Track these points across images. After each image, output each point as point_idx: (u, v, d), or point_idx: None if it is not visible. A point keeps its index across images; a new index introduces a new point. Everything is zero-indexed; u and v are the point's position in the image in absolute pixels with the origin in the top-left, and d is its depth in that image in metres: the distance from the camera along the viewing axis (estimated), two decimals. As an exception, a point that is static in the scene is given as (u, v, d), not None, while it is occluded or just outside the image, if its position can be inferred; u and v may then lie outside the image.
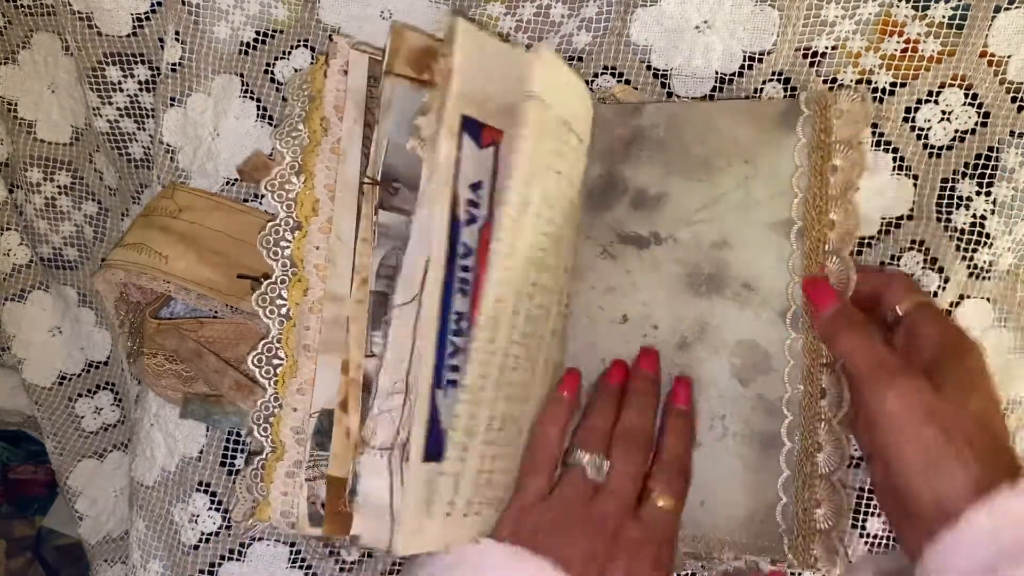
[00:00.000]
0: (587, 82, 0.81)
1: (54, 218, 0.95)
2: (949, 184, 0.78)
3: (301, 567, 0.82)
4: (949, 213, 0.78)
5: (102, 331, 0.98)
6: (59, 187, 0.94)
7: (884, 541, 0.79)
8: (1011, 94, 0.76)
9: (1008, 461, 0.60)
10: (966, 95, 0.77)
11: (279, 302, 0.72)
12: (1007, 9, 0.75)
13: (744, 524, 0.71)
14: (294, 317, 0.71)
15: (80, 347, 0.97)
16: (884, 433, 0.62)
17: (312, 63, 0.82)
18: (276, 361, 0.72)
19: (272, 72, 0.83)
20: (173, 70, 0.83)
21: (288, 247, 0.72)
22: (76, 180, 0.94)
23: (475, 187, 0.66)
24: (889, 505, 0.65)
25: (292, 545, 0.82)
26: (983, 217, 0.78)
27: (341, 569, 0.83)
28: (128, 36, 0.86)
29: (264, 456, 0.71)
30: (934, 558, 0.58)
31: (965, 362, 0.64)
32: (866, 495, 0.80)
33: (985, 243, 0.78)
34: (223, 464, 0.84)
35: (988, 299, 0.79)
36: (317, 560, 0.83)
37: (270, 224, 0.73)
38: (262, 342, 0.72)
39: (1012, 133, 0.77)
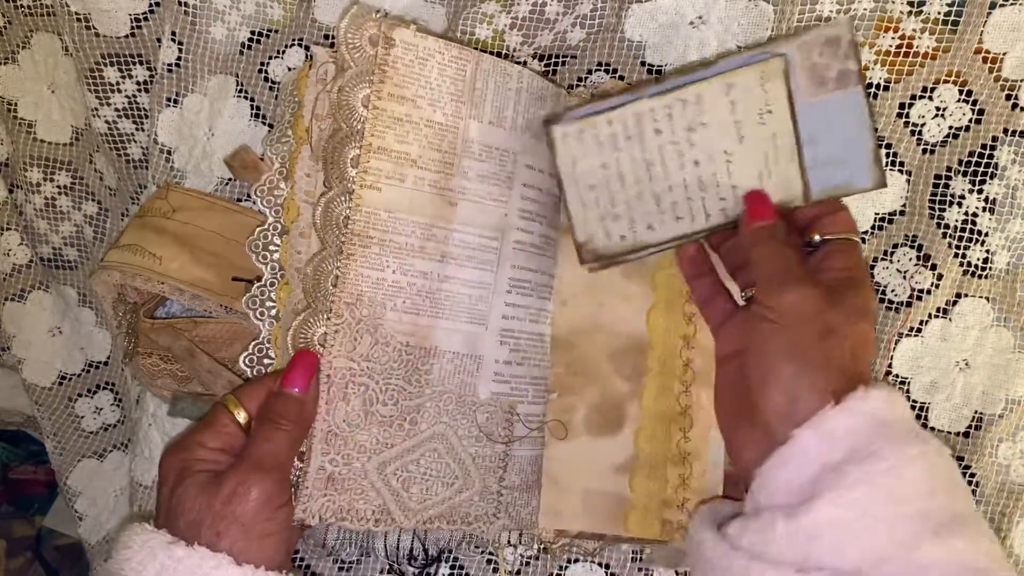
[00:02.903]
0: (581, 79, 0.82)
1: (54, 218, 0.95)
2: (942, 181, 0.78)
3: (300, 566, 0.83)
4: (942, 210, 0.78)
5: (102, 331, 0.98)
6: (59, 187, 0.94)
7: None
8: (1005, 91, 0.76)
9: (865, 382, 0.62)
10: (960, 92, 0.77)
11: (269, 304, 0.73)
12: (1002, 6, 0.74)
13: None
14: (283, 318, 0.71)
15: (80, 347, 0.97)
16: (765, 327, 0.64)
17: (304, 62, 0.82)
18: (267, 361, 0.72)
19: (266, 71, 0.83)
20: (169, 70, 0.83)
21: (276, 251, 0.73)
22: (76, 180, 0.94)
23: None
24: (730, 413, 0.67)
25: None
26: (975, 214, 0.77)
27: (340, 568, 0.83)
28: (126, 37, 0.86)
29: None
30: (766, 472, 0.62)
31: (862, 295, 0.66)
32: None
33: (977, 240, 0.77)
34: (219, 463, 0.84)
35: (987, 298, 0.79)
36: (316, 559, 0.83)
37: (259, 228, 0.73)
38: (253, 343, 0.72)
39: (1006, 131, 0.76)
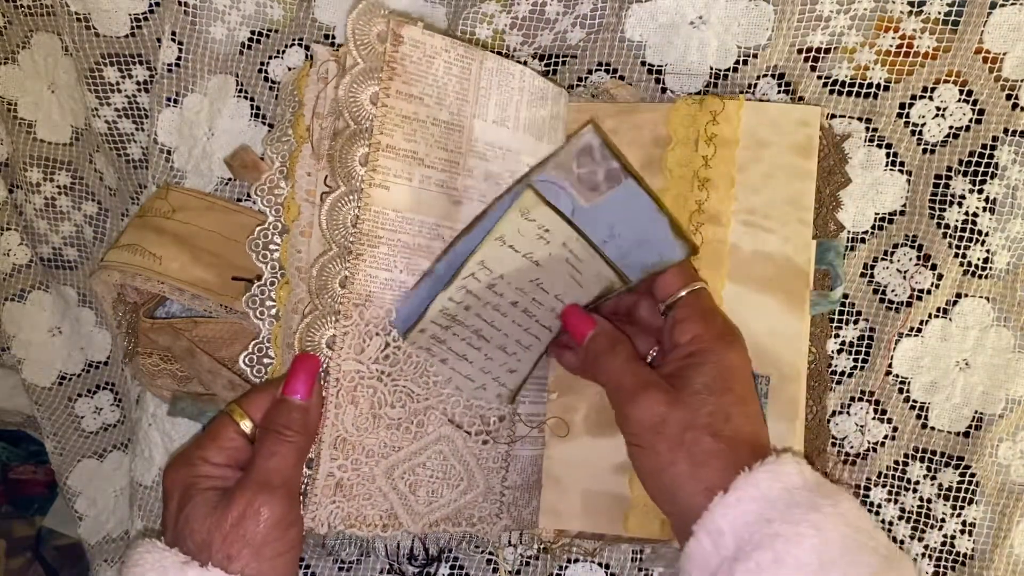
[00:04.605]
0: (581, 79, 0.82)
1: (54, 218, 0.95)
2: (942, 181, 0.78)
3: (299, 566, 0.82)
4: (942, 210, 0.78)
5: (102, 331, 0.98)
6: (59, 187, 0.94)
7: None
8: (1005, 91, 0.76)
9: (746, 456, 0.62)
10: (961, 92, 0.77)
11: (269, 303, 0.72)
12: (1002, 6, 0.74)
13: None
14: (283, 318, 0.71)
15: (80, 347, 0.97)
16: (633, 450, 0.66)
17: (305, 61, 0.82)
18: (267, 360, 0.72)
19: (266, 71, 0.83)
20: (169, 70, 0.83)
21: (277, 250, 0.72)
22: (76, 180, 0.94)
23: None
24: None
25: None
26: (975, 214, 0.77)
27: (340, 568, 0.83)
28: (126, 37, 0.86)
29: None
30: (681, 565, 0.62)
31: (709, 363, 0.66)
32: (861, 493, 0.80)
33: (978, 240, 0.77)
34: (218, 464, 0.84)
35: (987, 298, 0.79)
36: (316, 559, 0.83)
37: (259, 228, 0.73)
38: (253, 342, 0.72)
39: (1006, 130, 0.76)
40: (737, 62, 0.78)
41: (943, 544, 0.80)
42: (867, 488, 0.81)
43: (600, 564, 0.82)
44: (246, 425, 0.66)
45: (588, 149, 0.67)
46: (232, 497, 0.62)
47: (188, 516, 0.62)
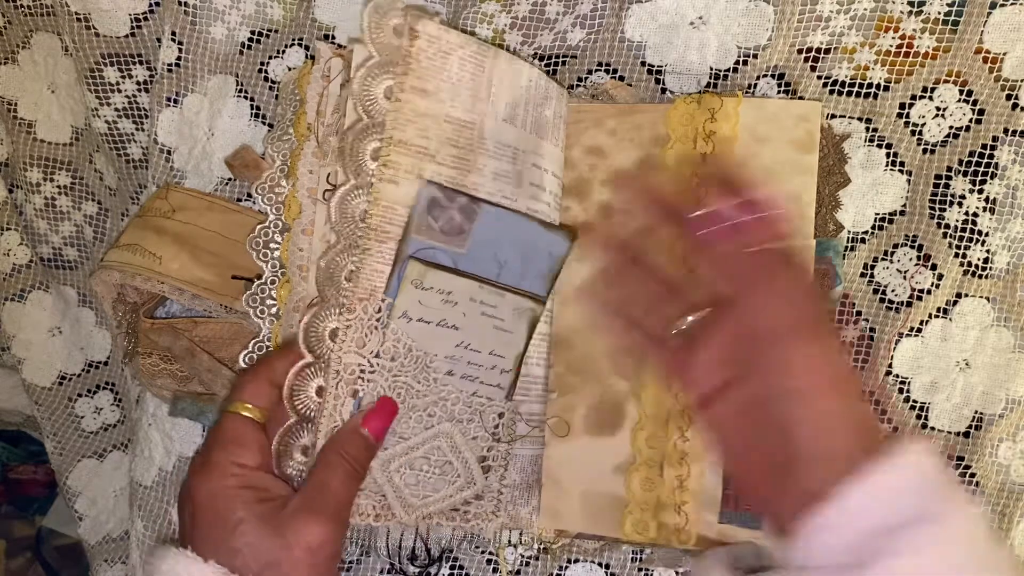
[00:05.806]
0: (581, 79, 0.82)
1: (54, 218, 0.95)
2: (942, 181, 0.78)
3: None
4: (942, 210, 0.78)
5: (102, 331, 0.98)
6: (59, 187, 0.94)
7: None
8: (1006, 91, 0.76)
9: (877, 432, 0.59)
10: (961, 92, 0.77)
11: (269, 302, 0.72)
12: (1002, 6, 0.74)
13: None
14: (283, 316, 0.71)
15: (80, 347, 0.97)
16: (787, 398, 0.58)
17: (305, 61, 0.82)
18: (267, 360, 0.72)
19: (265, 71, 0.83)
20: (169, 70, 0.83)
21: (277, 248, 0.72)
22: (76, 180, 0.94)
23: None
24: (742, 454, 0.60)
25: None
26: (976, 214, 0.77)
27: (340, 568, 0.83)
28: (126, 37, 0.86)
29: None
30: (809, 532, 0.55)
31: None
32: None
33: (978, 240, 0.77)
34: (219, 463, 0.84)
35: (987, 298, 0.79)
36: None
37: (259, 226, 0.73)
38: (253, 341, 0.72)
39: (1006, 130, 0.76)
40: (737, 62, 0.78)
41: (943, 544, 0.80)
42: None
43: (600, 564, 0.82)
44: (256, 415, 0.65)
45: (433, 201, 0.68)
46: (307, 522, 0.61)
47: (244, 531, 0.60)
